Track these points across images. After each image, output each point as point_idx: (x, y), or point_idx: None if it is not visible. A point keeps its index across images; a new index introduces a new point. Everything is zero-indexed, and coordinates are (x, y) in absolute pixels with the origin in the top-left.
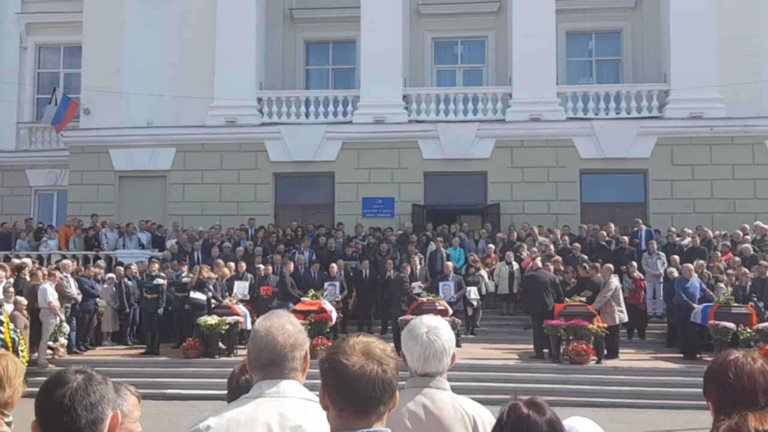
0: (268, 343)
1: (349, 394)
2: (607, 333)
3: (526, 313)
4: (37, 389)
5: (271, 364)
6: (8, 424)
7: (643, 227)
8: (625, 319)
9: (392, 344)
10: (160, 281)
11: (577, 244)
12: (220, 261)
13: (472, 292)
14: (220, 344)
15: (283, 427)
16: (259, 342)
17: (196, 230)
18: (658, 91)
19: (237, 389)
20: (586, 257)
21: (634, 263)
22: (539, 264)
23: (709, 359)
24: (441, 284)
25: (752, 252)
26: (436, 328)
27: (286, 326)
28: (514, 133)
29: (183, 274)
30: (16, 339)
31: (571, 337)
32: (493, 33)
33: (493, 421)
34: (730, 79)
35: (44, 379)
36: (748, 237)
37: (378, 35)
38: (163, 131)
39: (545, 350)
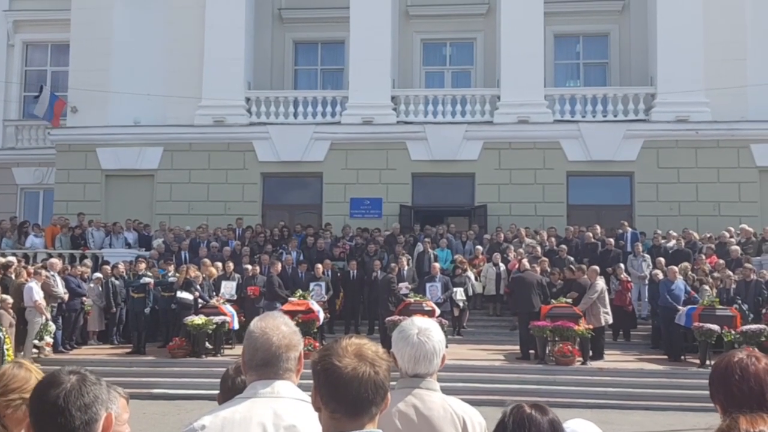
0: (263, 343)
1: (342, 395)
2: (592, 334)
3: (513, 314)
4: None
5: (266, 364)
6: None
7: (629, 229)
8: (610, 320)
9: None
10: (147, 280)
11: (564, 246)
12: (207, 261)
13: (459, 293)
14: (207, 344)
15: (277, 427)
16: (254, 342)
17: (183, 230)
18: (645, 94)
19: (232, 390)
20: (572, 259)
21: (621, 265)
22: (527, 265)
23: (694, 361)
24: (428, 285)
25: (738, 255)
26: (427, 329)
27: (281, 327)
28: (501, 135)
29: (169, 274)
30: (2, 337)
31: (557, 339)
32: (481, 35)
33: (483, 421)
34: (716, 83)
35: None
36: (732, 240)
37: (367, 36)
38: (151, 130)
39: (531, 351)
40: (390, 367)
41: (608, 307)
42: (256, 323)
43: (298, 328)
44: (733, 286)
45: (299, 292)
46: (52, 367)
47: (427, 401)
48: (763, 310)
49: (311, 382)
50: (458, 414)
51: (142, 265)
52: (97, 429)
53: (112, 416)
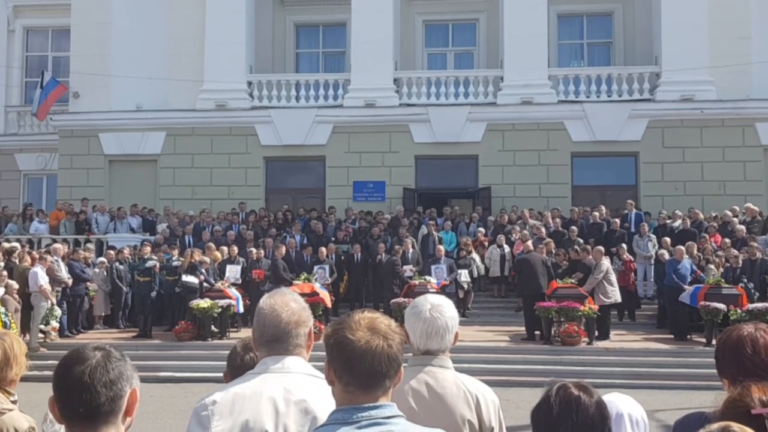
0: (273, 320)
1: (355, 369)
2: (598, 314)
3: (518, 295)
4: (33, 373)
5: (276, 340)
6: (14, 402)
7: (634, 210)
8: (619, 299)
9: None
10: (153, 263)
11: (574, 228)
12: (212, 244)
13: (463, 275)
14: (213, 327)
15: (287, 401)
16: (264, 319)
17: (186, 214)
18: (650, 73)
19: (242, 367)
20: (581, 241)
21: (624, 245)
22: (531, 246)
23: (700, 340)
24: (433, 267)
25: (744, 234)
26: (439, 305)
27: (290, 304)
28: (505, 117)
29: (174, 258)
30: (8, 323)
31: (562, 319)
32: (484, 16)
33: (496, 399)
34: (720, 61)
35: (36, 362)
36: (736, 219)
37: (369, 18)
38: (153, 115)
39: (537, 332)
40: (403, 341)
41: (616, 285)
42: (265, 300)
43: (307, 305)
44: (739, 264)
45: (304, 275)
46: (58, 352)
47: (440, 379)
48: None
49: (322, 360)
50: (471, 392)
51: (148, 249)
52: (122, 405)
53: (137, 392)
